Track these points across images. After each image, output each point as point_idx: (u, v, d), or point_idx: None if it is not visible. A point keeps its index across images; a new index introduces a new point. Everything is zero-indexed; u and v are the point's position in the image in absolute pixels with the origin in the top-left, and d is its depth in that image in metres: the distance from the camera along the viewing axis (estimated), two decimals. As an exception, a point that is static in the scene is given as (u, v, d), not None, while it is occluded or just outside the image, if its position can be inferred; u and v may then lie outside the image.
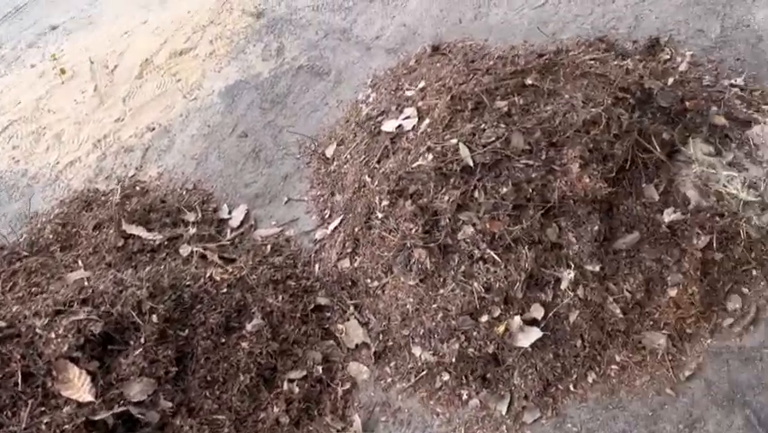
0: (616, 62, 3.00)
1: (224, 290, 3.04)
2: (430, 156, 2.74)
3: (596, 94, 2.74)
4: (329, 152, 3.53)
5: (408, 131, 3.01)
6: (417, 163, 2.77)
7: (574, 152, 2.64)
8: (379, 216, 2.86)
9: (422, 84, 3.39)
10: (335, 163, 3.41)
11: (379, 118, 3.24)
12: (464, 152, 2.67)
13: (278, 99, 4.39)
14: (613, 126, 2.69)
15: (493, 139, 2.65)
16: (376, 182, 2.97)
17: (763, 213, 2.94)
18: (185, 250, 3.42)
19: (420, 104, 3.08)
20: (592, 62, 2.93)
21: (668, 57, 3.81)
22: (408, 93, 3.44)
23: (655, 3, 4.09)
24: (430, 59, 3.72)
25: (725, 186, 2.84)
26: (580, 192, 2.63)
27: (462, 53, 3.97)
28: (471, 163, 2.68)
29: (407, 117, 3.05)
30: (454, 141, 2.70)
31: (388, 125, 3.11)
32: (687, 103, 3.06)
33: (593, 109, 2.67)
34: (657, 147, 2.82)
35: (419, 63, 3.75)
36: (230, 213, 3.82)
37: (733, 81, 3.54)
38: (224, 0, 5.31)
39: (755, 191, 2.99)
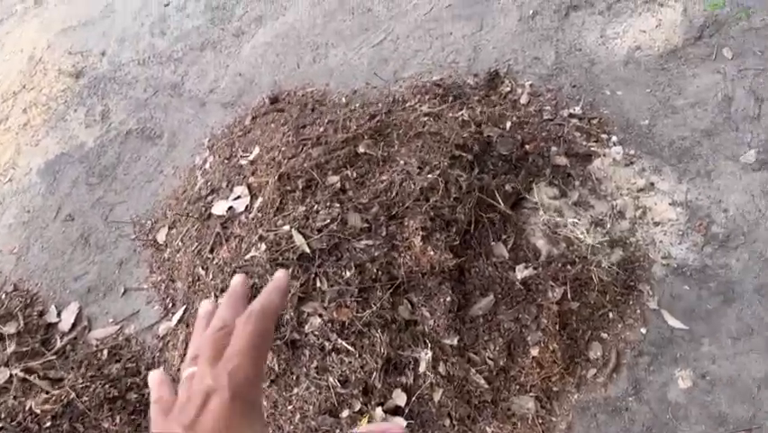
0: (452, 114, 2.86)
1: (48, 423, 2.61)
2: (263, 246, 2.46)
3: (431, 156, 2.58)
4: (161, 238, 3.16)
5: (240, 213, 2.71)
6: (251, 255, 2.48)
7: (415, 223, 2.46)
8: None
9: (255, 151, 3.11)
10: (168, 250, 3.05)
11: (210, 198, 2.92)
12: (299, 239, 2.42)
13: (106, 172, 3.94)
14: (452, 189, 2.54)
15: (328, 221, 2.42)
16: (210, 276, 2.66)
17: (612, 251, 2.91)
18: (2, 375, 2.94)
19: (251, 179, 2.79)
20: (426, 119, 2.77)
21: (509, 89, 3.76)
22: (242, 161, 3.14)
23: (491, 32, 4.04)
24: (265, 117, 3.44)
25: (571, 231, 2.77)
26: (427, 265, 2.46)
27: (301, 105, 3.73)
28: (308, 250, 2.43)
29: (238, 197, 2.76)
30: (287, 227, 2.44)
31: (219, 208, 2.80)
32: (527, 146, 2.98)
33: (429, 175, 2.50)
34: (501, 201, 2.71)
35: (255, 122, 3.46)
36: (59, 315, 3.35)
37: (572, 110, 3.53)
38: (37, 60, 4.74)
39: (602, 229, 2.96)
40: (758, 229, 2.89)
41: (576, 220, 2.79)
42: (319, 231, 2.40)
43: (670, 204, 3.05)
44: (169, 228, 3.14)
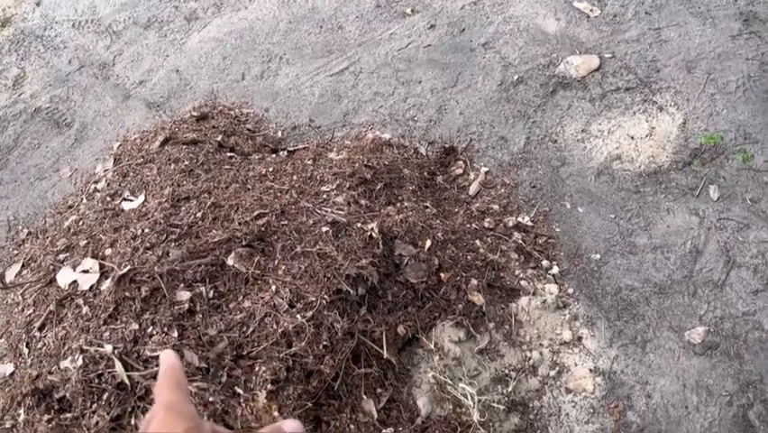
0: (361, 223, 2.40)
1: None
2: (80, 360, 2.05)
3: (310, 289, 2.15)
4: (10, 275, 2.74)
5: (83, 293, 2.29)
6: (65, 364, 2.08)
7: (266, 372, 2.05)
8: (19, 419, 2.16)
9: (138, 201, 2.65)
10: (12, 296, 2.63)
11: (63, 257, 2.48)
12: (119, 368, 2.01)
13: (-1, 153, 3.48)
14: (324, 336, 2.12)
15: (158, 353, 2.00)
16: (29, 360, 2.26)
17: (506, 418, 2.52)
18: None
19: (108, 251, 2.35)
20: (326, 230, 2.31)
21: (461, 171, 3.29)
22: (124, 205, 2.70)
23: (464, 92, 3.52)
24: (175, 147, 2.96)
25: (462, 394, 2.37)
26: (269, 422, 2.06)
27: (225, 133, 3.24)
28: (128, 383, 2.03)
29: (86, 271, 2.32)
30: (109, 348, 2.02)
31: (63, 277, 2.38)
32: (442, 274, 2.54)
33: (299, 316, 2.07)
34: (385, 348, 2.29)
35: (161, 151, 2.98)
36: None
37: (520, 219, 3.08)
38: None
39: (504, 388, 2.57)
40: (678, 431, 2.49)
41: (470, 381, 2.38)
42: (146, 363, 1.98)
43: (590, 370, 2.64)
44: (23, 267, 2.71)
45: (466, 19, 3.82)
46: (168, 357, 0.86)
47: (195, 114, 3.41)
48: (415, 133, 3.44)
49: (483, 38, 3.74)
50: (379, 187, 2.77)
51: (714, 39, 3.56)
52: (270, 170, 2.77)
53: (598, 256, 2.98)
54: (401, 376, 2.39)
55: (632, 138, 3.33)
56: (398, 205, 2.73)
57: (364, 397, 2.29)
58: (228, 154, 3.08)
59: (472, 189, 3.22)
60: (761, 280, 2.84)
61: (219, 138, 3.19)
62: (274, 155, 3.12)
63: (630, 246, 2.99)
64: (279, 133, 3.45)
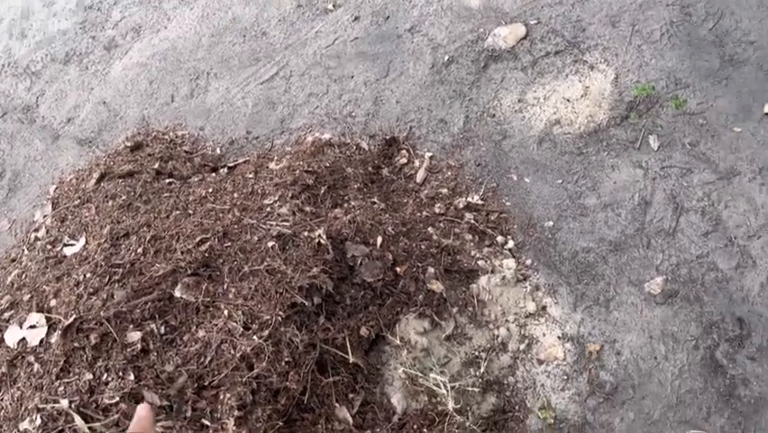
0: (308, 232, 2.37)
1: None
2: (38, 420, 1.99)
3: (264, 308, 2.11)
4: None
5: (34, 348, 2.22)
6: (24, 426, 2.01)
7: (231, 398, 2.01)
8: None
9: (80, 244, 2.58)
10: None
11: (8, 315, 2.40)
12: (79, 422, 1.95)
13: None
14: (285, 352, 2.09)
15: (117, 399, 1.96)
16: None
17: (483, 399, 2.54)
18: None
19: (53, 302, 2.29)
20: (272, 245, 2.27)
21: (405, 161, 3.27)
22: (66, 251, 2.62)
23: (397, 80, 3.49)
24: (111, 183, 2.88)
25: (435, 384, 2.36)
26: (243, 449, 2.03)
27: (162, 161, 3.17)
28: (90, 434, 1.98)
29: (33, 327, 2.26)
30: (65, 402, 1.97)
31: (11, 336, 2.31)
32: (398, 268, 2.53)
33: (256, 337, 2.04)
34: (350, 352, 2.27)
35: (98, 189, 2.90)
36: None
37: (470, 199, 3.08)
38: None
39: (476, 370, 2.57)
40: (650, 382, 2.53)
41: (441, 370, 2.37)
42: (105, 411, 1.93)
43: (559, 337, 2.67)
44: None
45: (389, 6, 3.79)
46: (139, 411, 0.90)
47: (128, 144, 3.33)
48: (354, 129, 3.41)
49: (409, 23, 3.71)
50: (323, 190, 2.74)
51: (634, -11, 3.58)
52: (210, 190, 2.72)
53: (551, 223, 3.00)
54: (371, 377, 2.38)
55: (568, 101, 3.34)
56: (345, 206, 2.71)
57: (337, 405, 2.27)
58: (167, 181, 3.01)
59: (419, 177, 3.21)
60: (709, 221, 2.88)
61: (156, 165, 3.12)
62: (214, 174, 3.07)
63: (581, 208, 3.01)
64: (218, 150, 3.39)
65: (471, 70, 3.52)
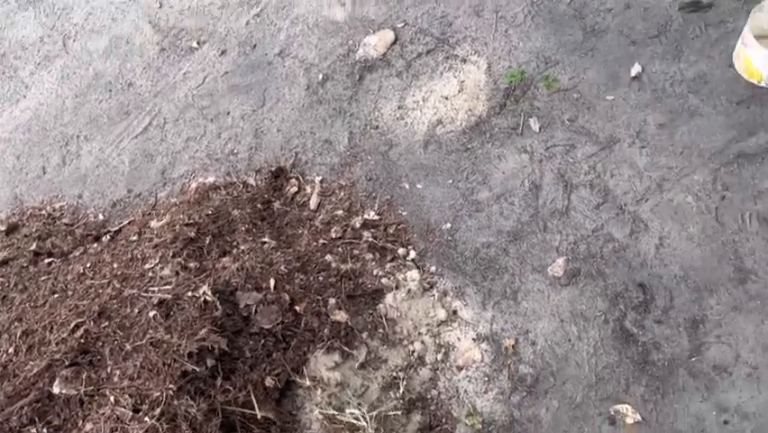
0: (192, 291, 2.26)
1: None
2: None
3: (153, 384, 2.00)
4: None
5: None
6: None
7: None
8: None
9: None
10: None
11: None
12: None
13: None
14: (183, 426, 1.97)
15: None
16: None
17: (408, 420, 2.48)
18: None
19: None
20: (154, 314, 2.15)
21: (296, 189, 3.19)
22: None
23: (275, 108, 3.41)
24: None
25: (354, 418, 2.29)
26: None
27: (41, 237, 2.99)
28: None
29: None
30: None
31: None
32: (297, 307, 2.45)
33: (147, 418, 1.91)
34: (257, 407, 2.17)
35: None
36: None
37: (366, 216, 3.03)
38: None
39: (396, 391, 2.51)
40: (568, 366, 2.54)
41: (358, 402, 2.31)
42: None
43: (474, 340, 2.65)
44: None
45: (254, 34, 3.70)
46: None
47: (2, 228, 3.13)
48: (239, 167, 3.31)
49: (277, 47, 3.63)
50: (207, 241, 2.64)
51: (491, -23, 3.59)
52: (89, 265, 2.57)
53: (449, 225, 2.98)
54: (287, 426, 2.30)
55: (446, 99, 3.33)
56: (234, 252, 2.61)
57: (253, 465, 2.18)
58: (46, 261, 2.84)
59: (312, 203, 3.13)
60: (599, 193, 2.92)
61: (33, 246, 2.94)
62: (96, 244, 2.91)
63: (475, 205, 3.00)
64: (101, 216, 3.23)
65: (348, 85, 3.47)
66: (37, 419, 1.96)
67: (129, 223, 3.11)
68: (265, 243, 2.70)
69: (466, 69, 3.39)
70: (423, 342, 2.67)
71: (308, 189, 3.20)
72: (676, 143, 2.95)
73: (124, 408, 1.98)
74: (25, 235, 3.04)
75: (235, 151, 3.36)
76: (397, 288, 2.74)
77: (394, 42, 3.55)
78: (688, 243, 2.69)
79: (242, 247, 2.64)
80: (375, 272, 2.78)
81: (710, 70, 3.07)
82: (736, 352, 2.45)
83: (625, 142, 3.01)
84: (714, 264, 2.62)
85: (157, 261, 2.47)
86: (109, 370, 2.07)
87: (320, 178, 3.22)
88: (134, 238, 2.81)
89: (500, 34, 3.45)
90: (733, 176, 2.78)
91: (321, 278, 2.61)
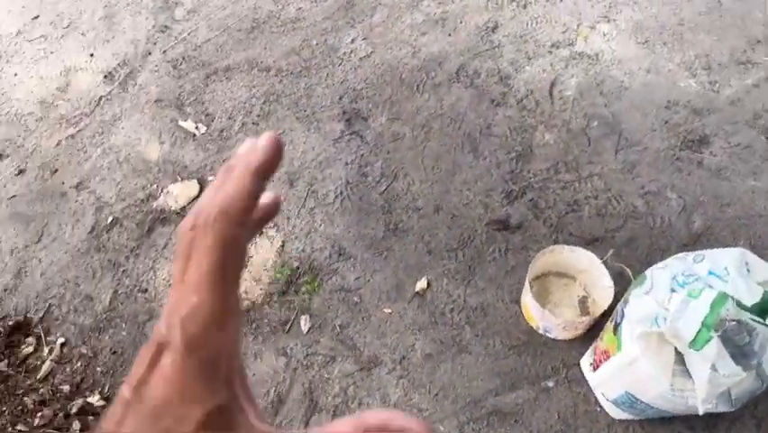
0: None
1: None
2: None
3: None
4: None
5: None
6: None
7: None
8: None
9: None
10: None
11: None
12: None
13: None
14: None
15: None
16: None
17: None
18: None
19: None
20: None
21: (31, 350, 2.88)
22: None
23: (50, 246, 3.16)
24: None
25: None
26: None
27: None
28: None
29: None
30: None
31: None
32: None
33: None
34: None
35: None
36: None
37: (90, 399, 2.72)
38: None
39: None
40: None
41: None
42: None
43: None
44: None
45: (61, 157, 3.46)
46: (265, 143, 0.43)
47: None
48: (-18, 311, 3.00)
49: (77, 177, 3.39)
50: None
51: (317, 145, 3.42)
52: None
53: None
54: None
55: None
56: None
57: None
58: None
59: (44, 369, 2.83)
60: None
61: None
62: None
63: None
64: None
65: (134, 235, 3.22)
66: None
67: None
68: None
69: (259, 245, 3.16)
70: None
71: (45, 352, 2.90)
72: (435, 382, 2.70)
73: None
74: None
75: (-15, 293, 3.07)
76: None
77: (197, 197, 3.32)
78: None
79: None
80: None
81: (494, 302, 2.86)
82: None
83: (385, 367, 2.77)
84: None
85: None
86: None
87: (63, 340, 2.93)
88: None
89: (306, 211, 3.24)
90: (475, 437, 2.53)
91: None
